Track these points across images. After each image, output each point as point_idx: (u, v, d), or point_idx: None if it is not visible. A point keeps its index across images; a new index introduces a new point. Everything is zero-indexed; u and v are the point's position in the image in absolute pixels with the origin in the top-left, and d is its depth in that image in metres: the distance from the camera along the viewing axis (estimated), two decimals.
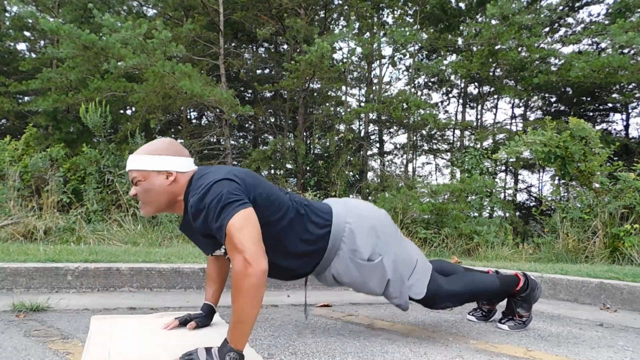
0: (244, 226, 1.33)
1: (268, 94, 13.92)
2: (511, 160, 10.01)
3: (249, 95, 14.50)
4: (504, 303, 2.16)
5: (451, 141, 14.51)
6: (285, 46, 12.44)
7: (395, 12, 11.22)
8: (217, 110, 9.54)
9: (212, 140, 11.91)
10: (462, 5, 11.93)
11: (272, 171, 11.53)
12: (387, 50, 12.72)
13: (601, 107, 13.42)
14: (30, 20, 10.58)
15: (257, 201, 1.49)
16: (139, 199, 1.58)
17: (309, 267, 1.68)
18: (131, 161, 1.55)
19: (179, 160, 1.56)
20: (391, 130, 14.28)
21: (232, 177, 1.45)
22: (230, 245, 1.33)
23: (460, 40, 11.16)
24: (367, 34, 11.48)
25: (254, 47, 13.63)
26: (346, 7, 10.70)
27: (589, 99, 12.93)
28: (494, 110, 15.18)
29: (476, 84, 13.33)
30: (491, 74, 11.56)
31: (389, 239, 1.71)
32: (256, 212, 1.42)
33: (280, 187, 1.69)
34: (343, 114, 11.36)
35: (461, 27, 10.53)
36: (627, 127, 13.60)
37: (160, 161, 1.53)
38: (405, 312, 2.38)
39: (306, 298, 2.12)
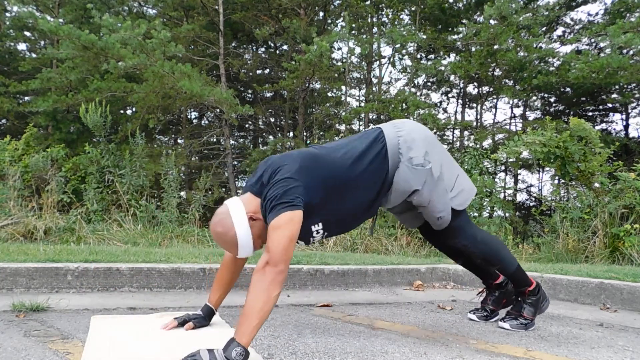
0: (282, 228, 1.43)
1: (268, 94, 13.93)
2: (511, 160, 10.02)
3: (249, 95, 14.50)
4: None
5: (451, 141, 14.51)
6: (285, 47, 12.44)
7: (394, 12, 11.23)
8: (217, 110, 9.55)
9: (212, 140, 11.91)
10: (460, 5, 11.94)
11: None
12: (386, 51, 12.75)
13: (601, 107, 13.44)
14: (30, 21, 10.58)
15: (316, 188, 1.57)
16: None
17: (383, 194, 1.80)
18: (239, 251, 1.57)
19: (235, 208, 1.55)
20: None
21: (292, 176, 1.53)
22: (268, 241, 1.44)
23: (459, 41, 11.18)
24: (367, 34, 11.49)
25: (254, 47, 13.63)
26: (345, 6, 10.71)
27: (588, 99, 12.95)
28: (493, 110, 15.21)
29: (475, 84, 13.34)
30: (490, 74, 11.56)
31: (435, 149, 1.84)
32: (323, 191, 1.59)
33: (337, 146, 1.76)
34: (343, 113, 11.37)
35: (459, 28, 10.53)
36: (626, 127, 13.62)
37: (239, 226, 1.53)
38: (405, 312, 2.39)
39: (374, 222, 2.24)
